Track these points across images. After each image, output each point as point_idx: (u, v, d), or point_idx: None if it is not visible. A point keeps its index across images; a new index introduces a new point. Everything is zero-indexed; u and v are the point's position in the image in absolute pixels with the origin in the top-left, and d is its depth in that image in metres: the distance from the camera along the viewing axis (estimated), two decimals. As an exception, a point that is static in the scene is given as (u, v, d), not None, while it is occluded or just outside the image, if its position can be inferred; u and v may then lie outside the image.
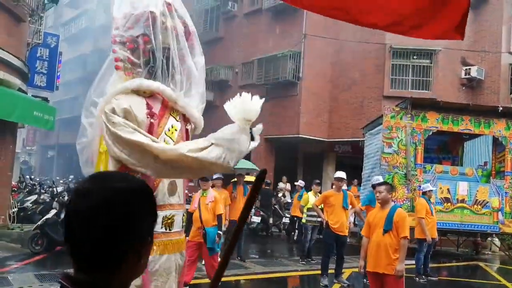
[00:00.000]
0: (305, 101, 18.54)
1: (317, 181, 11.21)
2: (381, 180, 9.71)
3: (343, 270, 8.96)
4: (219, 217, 7.49)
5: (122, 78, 2.87)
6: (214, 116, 21.76)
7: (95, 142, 2.84)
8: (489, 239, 14.16)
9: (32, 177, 25.81)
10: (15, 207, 12.79)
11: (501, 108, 12.58)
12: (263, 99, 2.77)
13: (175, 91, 2.94)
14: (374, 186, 9.11)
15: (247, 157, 17.92)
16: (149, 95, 2.84)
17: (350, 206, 9.07)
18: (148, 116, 2.75)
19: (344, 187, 11.87)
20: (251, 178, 13.69)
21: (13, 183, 14.75)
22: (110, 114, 2.61)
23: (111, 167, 2.67)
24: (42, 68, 16.83)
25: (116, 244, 1.08)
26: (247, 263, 10.19)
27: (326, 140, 19.17)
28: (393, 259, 5.27)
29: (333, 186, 9.30)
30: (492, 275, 11.15)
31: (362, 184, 14.32)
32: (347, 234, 8.90)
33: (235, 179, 10.61)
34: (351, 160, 19.17)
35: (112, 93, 2.76)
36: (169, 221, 2.89)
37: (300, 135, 18.33)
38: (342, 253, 8.74)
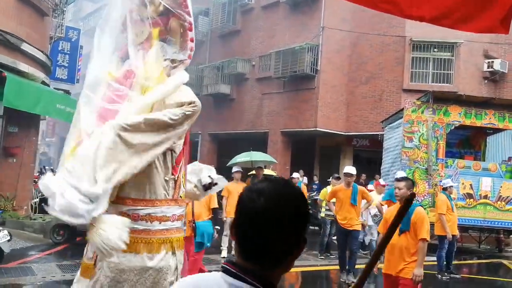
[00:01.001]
0: (322, 94, 18.31)
1: (337, 175, 11.00)
2: (404, 174, 9.53)
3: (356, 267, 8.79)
4: (214, 211, 7.34)
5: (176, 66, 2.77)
6: (231, 109, 21.92)
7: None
8: (512, 236, 13.88)
9: (53, 168, 26.05)
10: (37, 198, 13.05)
11: (526, 102, 12.25)
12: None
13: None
14: (397, 181, 8.97)
15: (264, 150, 17.85)
16: None
17: (364, 201, 8.84)
18: None
19: (381, 182, 11.60)
20: (269, 172, 13.57)
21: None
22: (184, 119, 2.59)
23: (155, 161, 2.62)
24: (64, 61, 17.31)
25: (285, 241, 1.22)
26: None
27: (343, 133, 18.93)
28: (408, 262, 4.88)
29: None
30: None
31: (381, 178, 14.09)
32: (358, 229, 8.51)
33: (254, 172, 10.46)
34: (369, 154, 18.97)
35: (178, 84, 2.67)
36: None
37: (318, 129, 18.12)
38: (352, 248, 8.42)
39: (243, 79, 21.38)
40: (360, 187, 8.73)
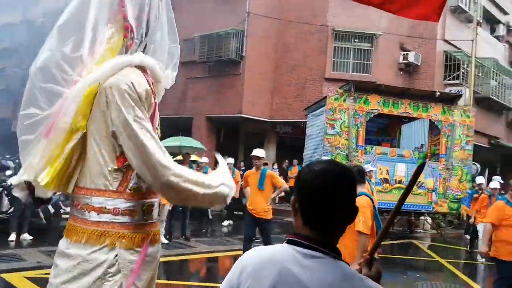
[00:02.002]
0: (248, 80, 18.39)
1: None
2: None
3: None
4: None
5: (117, 47, 2.45)
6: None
7: (66, 116, 2.33)
8: (421, 218, 14.87)
9: None
10: None
11: (438, 93, 13.11)
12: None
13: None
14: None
15: (189, 135, 17.64)
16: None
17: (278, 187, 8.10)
18: (153, 96, 2.50)
19: None
20: (196, 158, 13.46)
21: None
22: (133, 103, 2.30)
23: (97, 151, 2.39)
24: None
25: (344, 211, 1.44)
26: (192, 242, 10.12)
27: (268, 120, 19.19)
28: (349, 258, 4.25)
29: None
30: (425, 252, 11.72)
31: (304, 164, 14.46)
32: (266, 217, 7.76)
33: (181, 158, 10.31)
34: (292, 141, 19.40)
35: (116, 66, 2.36)
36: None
37: (243, 115, 18.21)
38: (266, 241, 7.77)
39: (167, 63, 20.90)
40: (269, 171, 8.09)
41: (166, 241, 9.62)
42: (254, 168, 8.02)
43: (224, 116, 18.80)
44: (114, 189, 2.43)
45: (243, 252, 7.86)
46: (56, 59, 2.34)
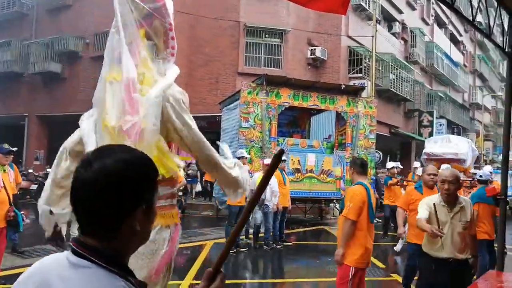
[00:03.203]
0: (161, 75, 18.27)
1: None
2: (245, 153, 10.15)
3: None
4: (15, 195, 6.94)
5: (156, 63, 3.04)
6: (62, 89, 20.49)
7: (151, 120, 2.78)
8: (331, 204, 15.76)
9: None
10: None
11: (343, 86, 13.97)
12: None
13: None
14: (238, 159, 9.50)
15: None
16: None
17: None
18: None
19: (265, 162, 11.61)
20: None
21: None
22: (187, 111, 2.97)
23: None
24: None
25: (113, 210, 1.17)
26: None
27: (182, 115, 19.17)
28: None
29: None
30: (336, 237, 12.41)
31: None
32: None
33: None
34: (207, 135, 19.22)
35: (170, 81, 2.93)
36: None
37: (157, 110, 18.06)
38: None
39: (76, 58, 20.15)
40: None
41: None
42: None
43: (137, 111, 18.52)
44: (167, 177, 2.94)
45: None
46: (133, 74, 2.82)
